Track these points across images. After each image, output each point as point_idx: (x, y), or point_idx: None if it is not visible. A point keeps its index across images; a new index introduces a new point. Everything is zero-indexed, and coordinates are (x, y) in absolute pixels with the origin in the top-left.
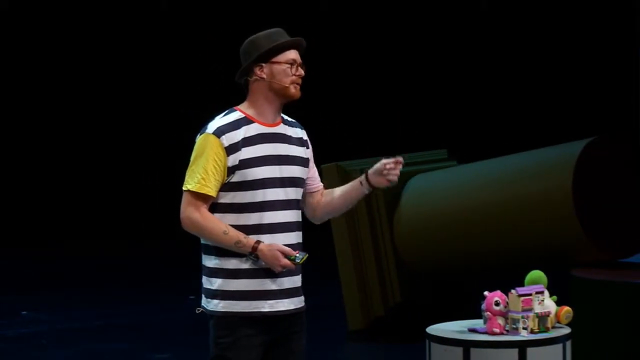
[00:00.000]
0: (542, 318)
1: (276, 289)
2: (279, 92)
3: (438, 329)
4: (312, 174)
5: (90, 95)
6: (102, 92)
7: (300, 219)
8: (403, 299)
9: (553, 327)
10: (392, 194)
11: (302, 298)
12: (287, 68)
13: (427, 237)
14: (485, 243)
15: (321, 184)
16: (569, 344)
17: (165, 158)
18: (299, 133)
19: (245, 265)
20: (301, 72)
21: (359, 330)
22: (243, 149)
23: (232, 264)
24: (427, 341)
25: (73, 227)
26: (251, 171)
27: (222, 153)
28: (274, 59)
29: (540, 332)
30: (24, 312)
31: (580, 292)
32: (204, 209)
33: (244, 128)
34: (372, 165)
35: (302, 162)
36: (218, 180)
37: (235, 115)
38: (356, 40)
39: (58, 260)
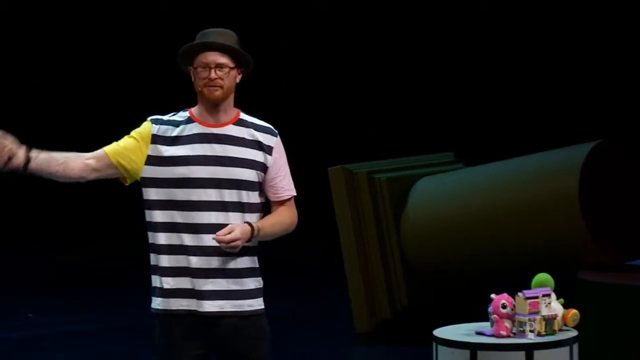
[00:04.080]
0: (549, 321)
1: (202, 290)
2: (200, 95)
3: (445, 331)
4: (275, 182)
5: (90, 95)
6: (102, 92)
7: (232, 221)
8: (410, 302)
9: (560, 330)
10: (399, 196)
11: (240, 302)
12: (201, 71)
13: (434, 240)
14: (492, 245)
15: (285, 196)
16: (575, 346)
17: None
18: (259, 137)
19: (173, 263)
20: (210, 74)
21: (366, 333)
22: (172, 146)
23: (165, 261)
24: (434, 344)
25: (74, 229)
26: (179, 169)
27: (147, 137)
28: (194, 63)
29: (547, 334)
30: (30, 315)
31: (587, 295)
32: (89, 154)
33: (182, 127)
34: (379, 168)
35: (252, 164)
36: (129, 156)
37: (181, 115)
38: (361, 41)
39: (59, 262)
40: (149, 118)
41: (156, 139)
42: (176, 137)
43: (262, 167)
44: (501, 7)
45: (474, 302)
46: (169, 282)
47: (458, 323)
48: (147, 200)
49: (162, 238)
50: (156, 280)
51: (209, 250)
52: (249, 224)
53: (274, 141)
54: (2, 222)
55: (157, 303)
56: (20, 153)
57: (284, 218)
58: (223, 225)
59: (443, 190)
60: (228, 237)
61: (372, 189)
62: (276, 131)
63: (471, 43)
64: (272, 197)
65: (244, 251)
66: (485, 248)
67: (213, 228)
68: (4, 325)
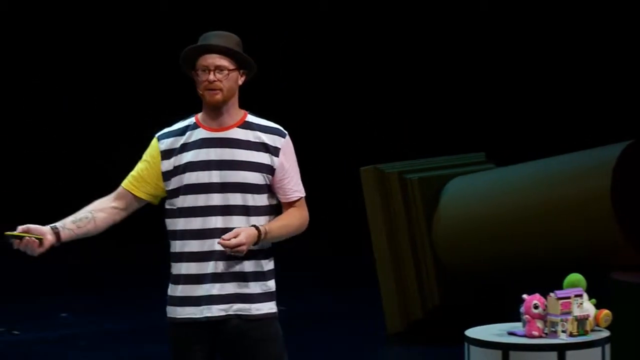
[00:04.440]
0: (581, 321)
1: (208, 295)
2: (202, 99)
3: (477, 331)
4: (283, 184)
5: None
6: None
7: (235, 225)
8: (441, 302)
9: (592, 330)
10: (430, 196)
11: (246, 305)
12: (201, 74)
13: (465, 240)
14: (523, 245)
15: (294, 197)
16: (607, 347)
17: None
18: (264, 139)
19: (182, 271)
20: (209, 77)
21: (398, 333)
22: (180, 155)
23: (176, 268)
24: (465, 344)
25: (108, 230)
26: (186, 176)
27: (157, 156)
28: (195, 67)
29: (579, 335)
30: (64, 314)
31: (620, 295)
32: (112, 196)
33: (188, 133)
34: (410, 168)
35: (257, 167)
36: (147, 182)
37: (187, 121)
38: (381, 39)
39: (92, 262)
40: (155, 135)
41: (164, 155)
42: (183, 145)
43: (269, 170)
44: (538, 3)
45: (506, 302)
46: (178, 289)
47: (490, 323)
48: (165, 209)
49: (176, 246)
50: (169, 287)
51: (214, 255)
52: (256, 227)
53: (281, 142)
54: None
55: (167, 310)
56: (47, 233)
57: (293, 220)
58: (227, 230)
59: (475, 190)
60: (233, 241)
61: (403, 189)
62: (285, 132)
63: (503, 42)
64: (282, 199)
65: (250, 255)
66: (517, 248)
67: (218, 233)
68: (39, 325)
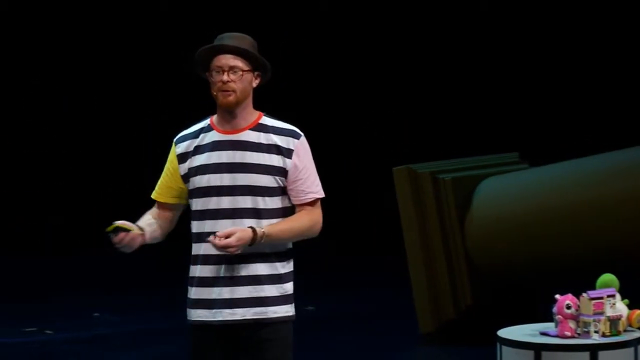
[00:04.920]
0: (613, 321)
1: (221, 298)
2: (216, 101)
3: (509, 332)
4: (295, 185)
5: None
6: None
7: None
8: (474, 302)
9: (624, 331)
10: (463, 196)
11: (261, 309)
12: (215, 75)
13: (498, 240)
14: (556, 246)
15: (305, 199)
16: None
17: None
18: (277, 140)
19: (197, 273)
20: (222, 78)
21: (430, 333)
22: (194, 157)
23: (192, 271)
24: (498, 344)
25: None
26: (198, 179)
27: (174, 160)
28: (209, 68)
29: (611, 335)
30: (96, 314)
31: None
32: (154, 209)
33: (202, 136)
34: (443, 168)
35: (268, 170)
36: (171, 187)
37: (202, 124)
38: (411, 39)
39: (124, 261)
40: (174, 139)
41: (181, 158)
42: (197, 147)
43: (281, 172)
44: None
45: (538, 302)
46: (193, 292)
47: (522, 323)
48: (190, 211)
49: (194, 248)
50: (189, 291)
51: (227, 258)
52: (252, 228)
53: (295, 144)
54: (67, 224)
55: (187, 313)
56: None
57: (300, 222)
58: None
59: (508, 191)
60: (222, 242)
61: (436, 189)
62: (300, 133)
63: (537, 41)
64: (293, 200)
65: (265, 258)
66: (550, 248)
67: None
68: (72, 325)
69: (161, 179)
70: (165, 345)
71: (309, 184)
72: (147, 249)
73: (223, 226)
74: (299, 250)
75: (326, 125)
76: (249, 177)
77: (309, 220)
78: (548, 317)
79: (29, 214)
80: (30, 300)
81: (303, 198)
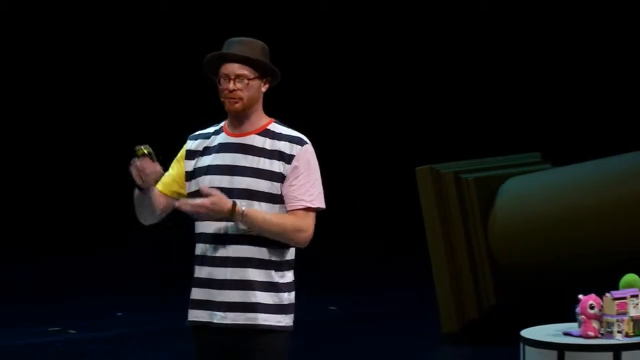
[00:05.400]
0: (637, 322)
1: (215, 301)
2: (224, 106)
3: (532, 332)
4: (288, 191)
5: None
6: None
7: (246, 233)
8: (497, 302)
9: None
10: (486, 196)
11: (252, 315)
12: (223, 82)
13: (521, 240)
14: (579, 246)
15: (295, 206)
16: None
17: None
18: (281, 146)
19: (196, 273)
20: (228, 86)
21: (453, 333)
22: (201, 158)
23: (194, 271)
24: (521, 344)
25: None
26: (201, 179)
27: (183, 155)
28: (218, 74)
29: (635, 335)
30: (120, 314)
31: None
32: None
33: (213, 137)
34: (466, 168)
35: (268, 175)
36: (175, 181)
37: (216, 126)
38: (436, 38)
39: (145, 261)
40: (188, 136)
41: (189, 155)
42: (205, 148)
43: (281, 178)
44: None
45: (562, 302)
46: (192, 293)
47: (545, 323)
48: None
49: (195, 249)
50: (190, 291)
51: (220, 261)
52: (235, 203)
53: (297, 150)
54: (90, 225)
55: (189, 313)
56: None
57: (283, 221)
58: (232, 236)
59: (531, 191)
60: (197, 201)
61: (459, 189)
62: (305, 141)
63: (557, 41)
64: (286, 207)
65: (260, 265)
66: (573, 248)
67: (224, 239)
68: (95, 325)
69: (168, 171)
70: (188, 345)
71: (302, 191)
72: (172, 248)
73: (218, 228)
74: (321, 250)
75: (349, 127)
76: (247, 181)
77: (292, 223)
78: (571, 317)
79: (52, 213)
80: (54, 300)
81: (293, 204)
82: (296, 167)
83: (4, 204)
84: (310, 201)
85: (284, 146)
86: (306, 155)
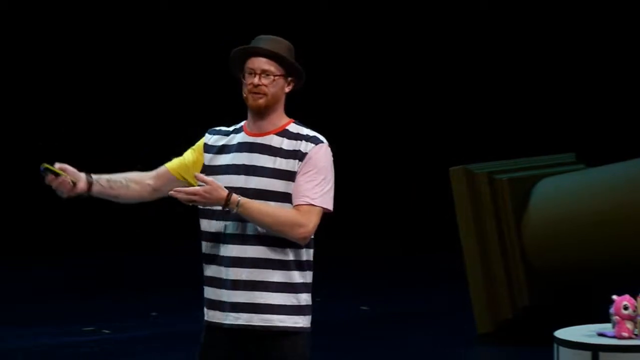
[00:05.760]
0: None
1: (229, 301)
2: (246, 102)
3: (566, 332)
4: (295, 186)
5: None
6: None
7: (266, 232)
8: (531, 302)
9: None
10: (520, 197)
11: (268, 316)
12: (247, 77)
13: (555, 240)
14: (614, 246)
15: (299, 201)
16: None
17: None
18: (297, 146)
19: (206, 272)
20: (253, 80)
21: (487, 333)
22: (218, 155)
23: (204, 270)
24: (555, 345)
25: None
26: (220, 177)
27: (201, 146)
28: (243, 70)
29: None
30: (154, 314)
31: None
32: (151, 174)
33: (231, 136)
34: (500, 168)
35: (283, 175)
36: (183, 162)
37: (237, 125)
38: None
39: (180, 261)
40: (207, 130)
41: (208, 149)
42: (223, 146)
43: (288, 176)
44: None
45: (596, 303)
46: (206, 293)
47: (579, 324)
48: (198, 209)
49: (203, 247)
50: (204, 290)
51: (233, 261)
52: (230, 193)
53: (311, 148)
54: (129, 225)
55: (204, 313)
56: (81, 180)
57: (281, 213)
58: (244, 236)
59: (565, 191)
60: (187, 189)
61: (493, 190)
62: (321, 140)
63: (589, 41)
64: (292, 202)
65: (278, 265)
66: (608, 249)
67: (236, 238)
68: (130, 325)
69: (183, 156)
70: None
71: (308, 187)
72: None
73: (231, 228)
74: (353, 250)
75: (384, 129)
76: (260, 181)
77: (291, 217)
78: (605, 318)
79: (87, 213)
80: (88, 299)
81: (297, 199)
82: (307, 164)
83: (39, 203)
84: (314, 199)
85: (300, 145)
86: (319, 154)
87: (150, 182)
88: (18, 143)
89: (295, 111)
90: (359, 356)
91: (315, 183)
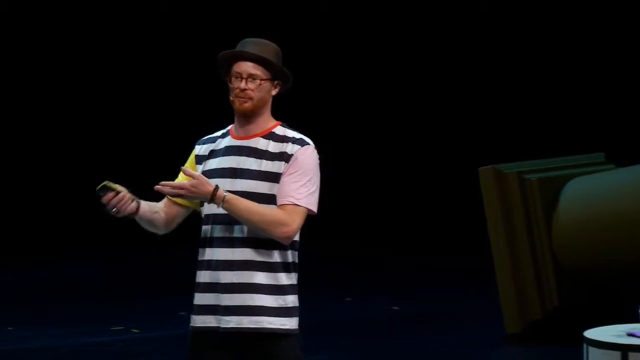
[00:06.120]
0: None
1: (219, 305)
2: (232, 106)
3: (596, 332)
4: (280, 187)
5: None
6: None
7: (253, 235)
8: (560, 302)
9: None
10: (549, 196)
11: (257, 318)
12: (234, 81)
13: (585, 241)
14: None
15: (284, 201)
16: None
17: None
18: (283, 148)
19: (198, 278)
20: (239, 85)
21: (516, 334)
22: (207, 161)
23: (196, 276)
24: (584, 345)
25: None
26: None
27: (193, 160)
28: (230, 74)
29: None
30: (182, 313)
31: None
32: (162, 203)
33: (219, 141)
34: (529, 168)
35: (269, 177)
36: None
37: (224, 130)
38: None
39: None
40: (196, 142)
41: (199, 159)
42: (211, 151)
43: (275, 178)
44: None
45: (625, 303)
46: (196, 298)
47: (609, 324)
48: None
49: (198, 253)
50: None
51: (223, 264)
52: (217, 188)
53: (297, 149)
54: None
55: (190, 319)
56: (134, 199)
57: (266, 211)
58: (233, 239)
59: (594, 191)
60: (176, 183)
61: (522, 189)
62: (307, 143)
63: (621, 42)
64: (277, 202)
65: (265, 268)
66: (637, 249)
67: (224, 242)
68: (158, 324)
69: (177, 180)
70: None
71: (293, 187)
72: None
73: (220, 232)
74: (384, 251)
75: (411, 127)
76: (246, 183)
77: (276, 216)
78: (633, 318)
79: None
80: (117, 299)
81: (282, 199)
82: (292, 165)
83: (70, 205)
84: (299, 199)
85: (286, 147)
86: (305, 155)
87: (164, 211)
88: (34, 145)
89: (308, 113)
90: (390, 356)
91: (301, 184)
